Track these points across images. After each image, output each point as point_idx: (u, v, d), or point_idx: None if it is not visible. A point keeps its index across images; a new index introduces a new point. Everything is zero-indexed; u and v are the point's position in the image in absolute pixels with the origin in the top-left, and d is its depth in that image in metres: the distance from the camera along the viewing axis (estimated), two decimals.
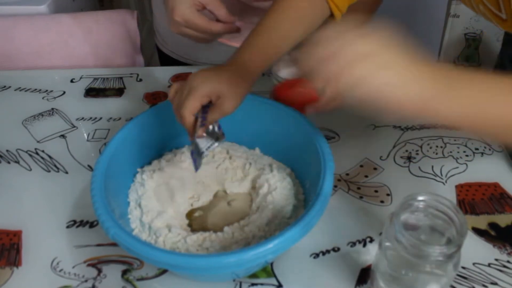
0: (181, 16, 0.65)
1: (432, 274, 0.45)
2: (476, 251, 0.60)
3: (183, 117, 0.56)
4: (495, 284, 0.56)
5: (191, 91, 0.56)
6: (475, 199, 0.67)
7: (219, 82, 0.56)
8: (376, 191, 0.68)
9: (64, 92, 0.90)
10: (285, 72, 0.74)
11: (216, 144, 0.58)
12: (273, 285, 0.57)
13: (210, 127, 0.59)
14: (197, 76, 0.57)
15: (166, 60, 1.01)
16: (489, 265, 0.58)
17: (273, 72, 0.75)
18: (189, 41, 0.92)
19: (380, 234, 0.61)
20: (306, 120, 0.63)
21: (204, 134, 0.58)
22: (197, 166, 0.60)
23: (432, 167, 0.72)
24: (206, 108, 0.57)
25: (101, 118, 0.83)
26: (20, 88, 0.91)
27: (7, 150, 0.77)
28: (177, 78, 0.93)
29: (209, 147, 0.58)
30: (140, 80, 0.93)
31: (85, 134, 0.80)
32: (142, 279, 0.57)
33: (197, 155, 0.59)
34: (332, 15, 0.68)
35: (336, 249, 0.60)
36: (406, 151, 0.75)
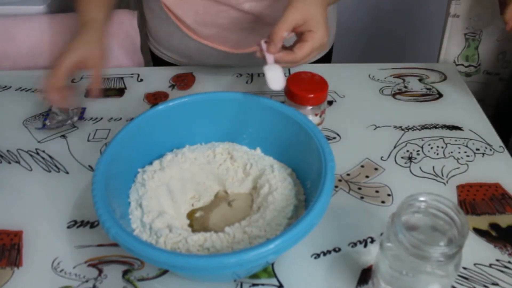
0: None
1: (433, 274, 0.45)
2: (477, 251, 0.60)
3: None
4: (496, 284, 0.56)
5: None
6: (476, 199, 0.67)
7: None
8: (377, 192, 0.68)
9: None
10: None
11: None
12: (274, 285, 0.57)
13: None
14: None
15: (159, 63, 1.01)
16: (490, 265, 0.58)
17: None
18: (180, 44, 0.92)
19: (381, 234, 0.61)
20: (307, 120, 0.63)
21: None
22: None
23: (433, 167, 0.72)
24: None
25: (102, 118, 0.83)
26: (20, 88, 0.91)
27: (7, 150, 0.76)
28: (178, 78, 0.93)
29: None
30: (141, 80, 0.93)
31: (85, 135, 0.80)
32: (143, 279, 0.57)
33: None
34: None
35: (337, 250, 0.60)
36: (407, 151, 0.75)
